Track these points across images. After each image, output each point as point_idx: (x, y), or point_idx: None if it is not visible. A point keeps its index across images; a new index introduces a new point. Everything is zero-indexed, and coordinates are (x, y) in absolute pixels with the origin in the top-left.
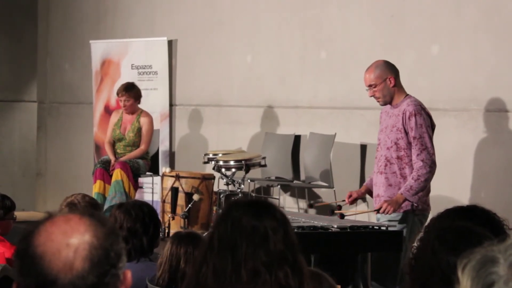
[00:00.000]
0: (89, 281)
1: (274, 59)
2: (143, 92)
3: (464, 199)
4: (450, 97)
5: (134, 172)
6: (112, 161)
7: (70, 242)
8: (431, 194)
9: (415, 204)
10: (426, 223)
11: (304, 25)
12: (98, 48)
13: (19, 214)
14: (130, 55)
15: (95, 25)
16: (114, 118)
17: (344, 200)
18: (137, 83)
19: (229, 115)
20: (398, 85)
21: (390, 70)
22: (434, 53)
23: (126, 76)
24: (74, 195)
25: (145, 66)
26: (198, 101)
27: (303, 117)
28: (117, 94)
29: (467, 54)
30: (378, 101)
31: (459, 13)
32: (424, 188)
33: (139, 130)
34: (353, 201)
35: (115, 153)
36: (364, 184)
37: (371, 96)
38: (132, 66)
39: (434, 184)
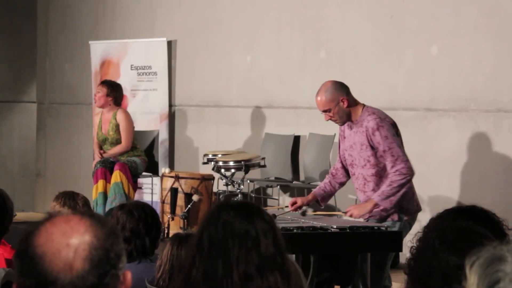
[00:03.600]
0: (89, 281)
1: (274, 59)
2: (142, 93)
3: (463, 199)
4: (449, 97)
5: (132, 173)
6: (96, 156)
7: (70, 243)
8: (430, 194)
9: (389, 209)
10: (426, 223)
11: (303, 25)
12: (98, 49)
13: (19, 215)
14: (130, 55)
15: (95, 25)
16: (96, 120)
17: (287, 206)
18: (137, 84)
19: (229, 115)
20: (351, 102)
21: (340, 90)
22: (433, 53)
23: (126, 76)
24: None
25: (144, 66)
26: (197, 102)
27: (302, 117)
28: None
29: (467, 54)
30: (336, 123)
31: (459, 14)
32: (396, 193)
33: (118, 127)
34: (296, 209)
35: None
36: (313, 192)
37: (328, 120)
38: (131, 67)
39: (433, 184)
